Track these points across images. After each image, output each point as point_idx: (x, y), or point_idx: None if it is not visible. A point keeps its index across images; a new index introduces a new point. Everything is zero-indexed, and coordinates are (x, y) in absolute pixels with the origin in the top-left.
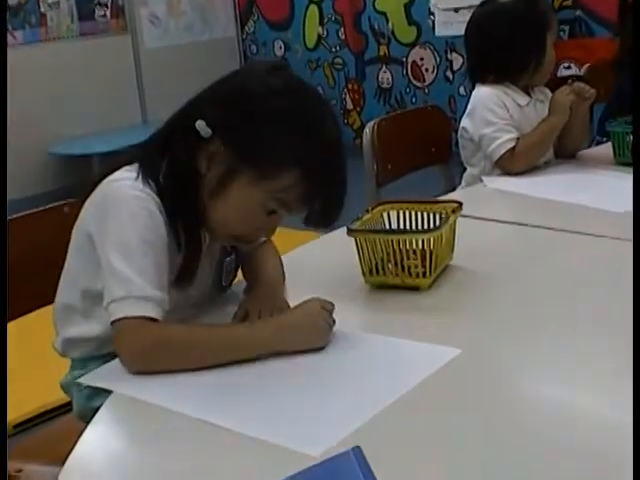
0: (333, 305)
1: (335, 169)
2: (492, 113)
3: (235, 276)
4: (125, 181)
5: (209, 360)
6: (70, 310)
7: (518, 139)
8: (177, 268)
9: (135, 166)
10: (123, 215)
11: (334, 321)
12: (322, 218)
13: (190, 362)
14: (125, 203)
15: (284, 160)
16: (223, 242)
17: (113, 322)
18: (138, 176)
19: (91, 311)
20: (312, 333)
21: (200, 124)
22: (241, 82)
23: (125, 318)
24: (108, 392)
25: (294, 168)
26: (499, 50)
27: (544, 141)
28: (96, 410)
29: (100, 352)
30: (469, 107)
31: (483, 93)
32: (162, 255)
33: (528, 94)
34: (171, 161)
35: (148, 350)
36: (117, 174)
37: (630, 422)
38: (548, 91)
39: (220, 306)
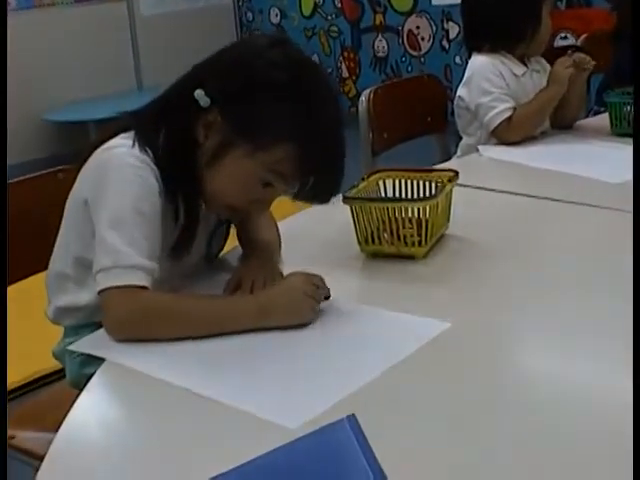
0: (321, 279)
1: (332, 143)
2: (489, 82)
3: (223, 246)
4: (121, 148)
5: (192, 331)
6: (63, 278)
7: (515, 109)
8: (174, 238)
9: (131, 133)
10: (118, 183)
11: (329, 295)
12: (318, 193)
13: (173, 331)
14: (120, 171)
15: (281, 132)
16: (219, 213)
17: (100, 292)
18: (134, 144)
19: (84, 279)
20: (294, 310)
21: (199, 93)
22: (241, 54)
23: (111, 287)
24: (101, 359)
25: (290, 140)
26: (495, 19)
27: (541, 111)
28: (89, 377)
29: (92, 320)
30: (465, 76)
31: (480, 62)
32: (154, 225)
33: (524, 64)
34: (168, 129)
35: (132, 317)
36: (113, 141)
37: (629, 390)
38: (544, 61)
39: (214, 274)
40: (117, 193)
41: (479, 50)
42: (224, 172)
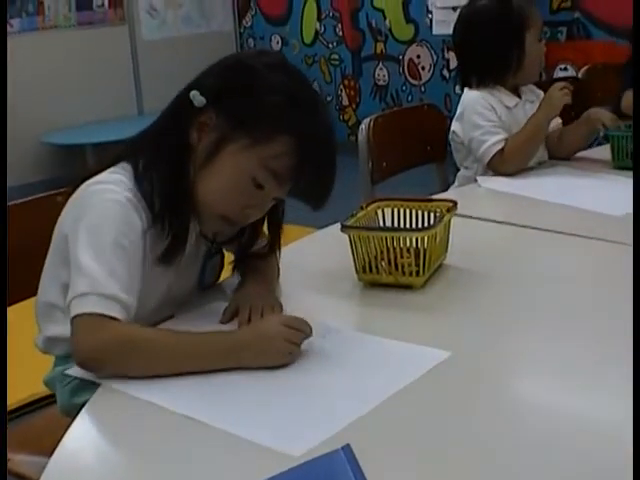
0: (301, 321)
1: (326, 144)
2: (479, 116)
3: (219, 276)
4: (106, 185)
5: (165, 367)
6: (51, 307)
7: (507, 140)
8: (163, 247)
9: (123, 165)
10: (98, 218)
11: (310, 334)
12: (311, 194)
13: (144, 366)
14: (101, 207)
15: (279, 126)
16: (213, 226)
17: (72, 319)
18: (123, 176)
19: None
20: (266, 353)
21: (194, 94)
22: (237, 58)
23: (85, 314)
24: (92, 388)
25: (288, 135)
26: (478, 51)
27: (531, 138)
28: (79, 406)
29: None
30: (458, 111)
31: (471, 97)
32: (135, 262)
33: (518, 95)
34: (164, 136)
35: (104, 347)
36: (101, 176)
37: (626, 424)
38: (540, 92)
39: (210, 302)
40: (97, 227)
41: (469, 85)
42: (217, 171)
